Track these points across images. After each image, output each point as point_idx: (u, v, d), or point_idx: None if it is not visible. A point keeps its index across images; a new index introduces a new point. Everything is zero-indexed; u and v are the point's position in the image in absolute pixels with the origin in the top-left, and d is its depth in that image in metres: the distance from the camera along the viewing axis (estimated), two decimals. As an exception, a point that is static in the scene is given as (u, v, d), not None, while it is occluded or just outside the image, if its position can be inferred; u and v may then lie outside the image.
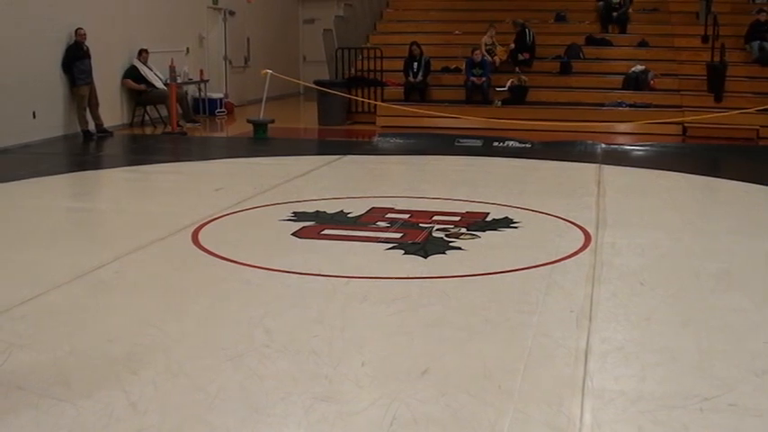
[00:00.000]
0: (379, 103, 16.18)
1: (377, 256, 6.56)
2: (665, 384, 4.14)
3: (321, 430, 3.64)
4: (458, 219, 7.81)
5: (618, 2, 17.96)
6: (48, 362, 4.34)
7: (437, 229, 7.35)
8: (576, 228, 7.48)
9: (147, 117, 15.80)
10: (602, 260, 6.39)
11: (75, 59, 13.59)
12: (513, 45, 16.85)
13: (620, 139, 14.19)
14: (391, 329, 4.89)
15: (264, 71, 15.07)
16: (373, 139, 14.21)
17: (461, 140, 13.59)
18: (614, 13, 17.97)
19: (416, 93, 16.30)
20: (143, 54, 15.36)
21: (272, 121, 14.51)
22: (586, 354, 4.49)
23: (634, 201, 8.86)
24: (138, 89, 15.34)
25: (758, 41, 16.12)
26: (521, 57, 16.77)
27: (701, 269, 6.28)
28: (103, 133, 14.01)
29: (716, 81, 15.33)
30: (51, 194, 9.45)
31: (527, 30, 16.90)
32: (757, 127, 14.41)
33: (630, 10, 18.07)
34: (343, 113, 16.57)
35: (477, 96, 15.92)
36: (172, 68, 15.34)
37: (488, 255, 6.62)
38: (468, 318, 5.09)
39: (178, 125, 15.03)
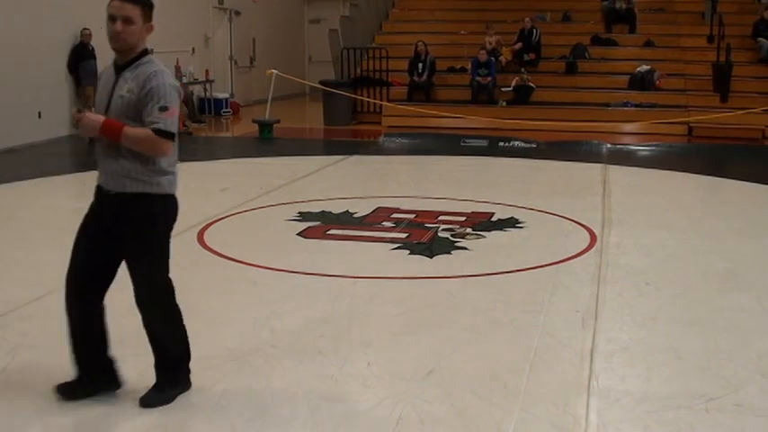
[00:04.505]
0: (384, 103, 16.18)
1: (382, 257, 6.56)
2: (670, 384, 4.14)
3: (327, 430, 3.64)
4: (463, 219, 7.81)
5: (623, 5, 17.91)
6: (54, 362, 4.35)
7: (443, 229, 7.36)
8: (581, 228, 7.48)
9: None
10: (607, 260, 6.39)
11: (81, 60, 13.62)
12: (520, 45, 16.85)
13: (626, 139, 14.18)
14: (397, 329, 4.89)
15: (270, 71, 15.09)
16: (379, 139, 14.21)
17: (467, 140, 13.59)
18: (620, 13, 17.94)
19: (421, 92, 16.30)
20: None
21: (278, 122, 14.52)
22: (592, 354, 4.50)
23: (640, 201, 8.85)
24: None
25: (766, 41, 16.10)
26: (527, 57, 16.77)
27: (707, 269, 6.28)
28: (109, 133, 14.01)
29: (722, 81, 15.31)
30: (57, 194, 9.46)
31: (534, 29, 16.89)
32: (763, 127, 14.39)
33: (636, 10, 18.03)
34: (349, 113, 16.57)
35: (482, 96, 15.91)
36: (177, 68, 15.37)
37: (494, 255, 6.62)
38: (474, 318, 5.09)
39: (183, 125, 15.05)
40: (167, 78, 3.65)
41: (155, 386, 3.89)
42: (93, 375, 3.95)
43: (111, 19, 3.69)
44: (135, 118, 3.62)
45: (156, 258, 3.87)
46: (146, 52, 3.73)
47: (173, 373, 3.92)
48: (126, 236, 3.77)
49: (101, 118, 3.61)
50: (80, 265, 3.89)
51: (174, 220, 3.90)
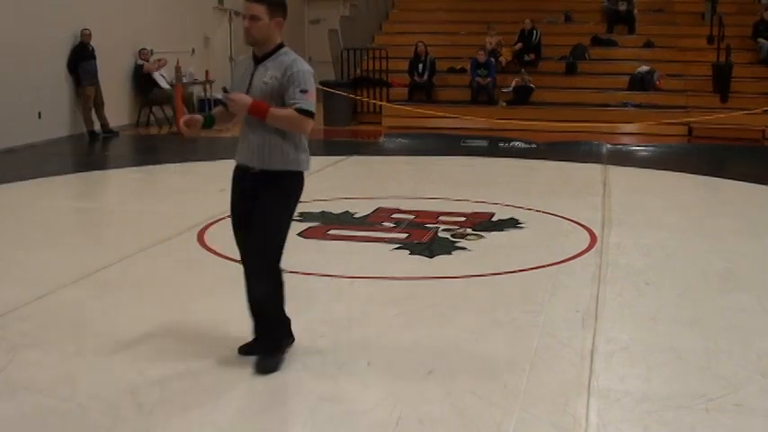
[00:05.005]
0: (384, 103, 16.18)
1: (383, 257, 6.56)
2: (670, 384, 4.13)
3: (327, 430, 3.64)
4: (463, 219, 7.81)
5: (624, 8, 17.91)
6: (54, 362, 4.35)
7: (443, 230, 7.36)
8: (581, 228, 7.48)
9: (152, 117, 15.81)
10: (607, 260, 6.39)
11: (81, 60, 13.61)
12: (520, 45, 16.85)
13: (626, 140, 14.18)
14: (397, 329, 4.89)
15: (270, 71, 15.03)
16: (379, 139, 14.21)
17: (467, 141, 13.59)
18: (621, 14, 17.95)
19: (422, 93, 16.31)
20: (143, 53, 15.36)
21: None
22: (592, 354, 4.49)
23: (639, 201, 8.85)
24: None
25: (766, 41, 16.10)
26: (527, 57, 16.77)
27: (707, 269, 6.28)
28: (109, 133, 14.03)
29: (721, 81, 15.31)
30: (57, 195, 9.46)
31: (535, 29, 16.90)
32: (763, 127, 14.39)
33: (636, 10, 18.03)
34: (349, 114, 16.57)
35: (482, 97, 15.91)
36: (177, 69, 15.35)
37: (494, 255, 6.62)
38: (474, 318, 5.09)
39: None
40: (305, 66, 4.16)
41: (261, 354, 4.27)
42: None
43: (243, 17, 4.19)
44: (277, 101, 4.09)
45: (280, 226, 4.30)
46: (282, 45, 4.22)
47: (274, 340, 4.33)
48: (260, 202, 4.20)
49: (249, 98, 4.08)
50: (240, 242, 4.33)
51: (300, 195, 4.34)
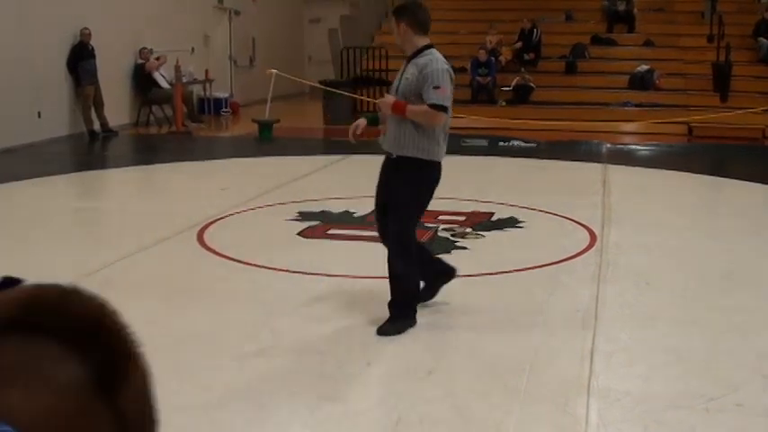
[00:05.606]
0: (384, 102, 16.16)
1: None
2: (671, 384, 4.13)
3: (327, 430, 3.64)
4: (463, 218, 7.80)
5: (624, 7, 17.92)
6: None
7: (442, 229, 7.35)
8: (581, 227, 7.47)
9: (152, 117, 15.80)
10: (607, 260, 6.38)
11: (81, 59, 13.58)
12: (520, 44, 16.86)
13: (626, 139, 14.17)
14: (397, 329, 4.89)
15: (270, 71, 15.07)
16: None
17: (467, 140, 13.57)
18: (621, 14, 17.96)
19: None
20: (143, 53, 15.35)
21: (278, 121, 14.49)
22: (592, 354, 4.49)
23: (640, 200, 8.84)
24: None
25: (766, 40, 16.10)
26: (527, 56, 16.77)
27: (708, 269, 6.27)
28: (108, 133, 14.01)
29: (721, 80, 15.31)
30: (57, 194, 9.46)
31: (535, 29, 16.90)
32: (763, 126, 14.38)
33: (636, 10, 18.04)
34: (349, 113, 16.52)
35: (482, 96, 15.90)
36: (177, 68, 15.35)
37: (494, 255, 6.61)
38: (474, 317, 5.09)
39: (183, 125, 15.03)
40: (440, 65, 4.75)
41: (389, 319, 4.71)
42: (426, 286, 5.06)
43: None
44: (416, 95, 4.69)
45: (411, 209, 4.83)
46: (428, 47, 4.87)
47: (405, 310, 4.72)
48: (395, 186, 4.79)
49: (392, 99, 4.84)
50: (378, 213, 5.00)
51: (436, 181, 4.88)
